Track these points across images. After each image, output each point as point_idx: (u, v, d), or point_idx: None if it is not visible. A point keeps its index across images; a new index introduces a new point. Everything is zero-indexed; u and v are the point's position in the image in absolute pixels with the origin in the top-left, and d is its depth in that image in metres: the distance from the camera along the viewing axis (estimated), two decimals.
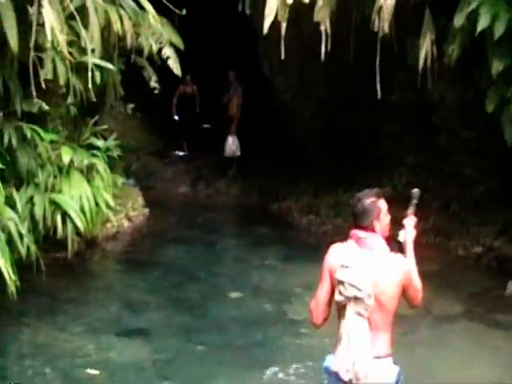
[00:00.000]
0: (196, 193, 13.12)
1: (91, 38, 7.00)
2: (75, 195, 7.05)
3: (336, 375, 3.56)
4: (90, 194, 7.21)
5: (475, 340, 6.05)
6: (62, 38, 5.50)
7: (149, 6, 7.88)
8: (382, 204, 3.65)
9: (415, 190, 4.09)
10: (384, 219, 3.64)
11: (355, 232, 3.61)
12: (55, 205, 6.88)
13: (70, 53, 6.95)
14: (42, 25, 5.79)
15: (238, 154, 13.41)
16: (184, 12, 7.13)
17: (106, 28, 7.55)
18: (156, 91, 9.06)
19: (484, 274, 8.10)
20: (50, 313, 6.25)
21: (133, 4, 7.92)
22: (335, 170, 10.44)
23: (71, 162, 7.12)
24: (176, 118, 14.83)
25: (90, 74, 6.36)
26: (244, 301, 6.98)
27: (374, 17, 7.28)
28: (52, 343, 5.66)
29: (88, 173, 7.46)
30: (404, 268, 3.60)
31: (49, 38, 5.35)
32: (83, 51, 7.03)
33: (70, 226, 6.94)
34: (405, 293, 3.63)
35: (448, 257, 8.77)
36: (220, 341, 5.93)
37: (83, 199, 7.10)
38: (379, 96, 7.46)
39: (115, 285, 7.38)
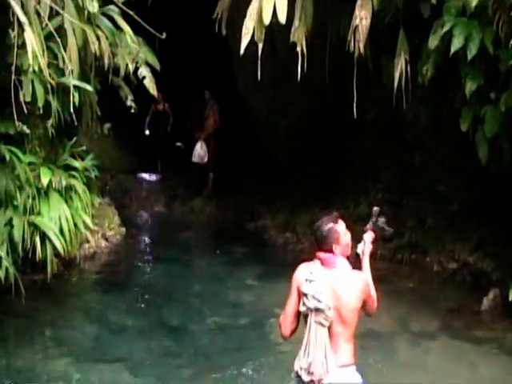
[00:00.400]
0: (171, 211, 13.12)
1: (69, 59, 7.02)
2: (54, 217, 7.00)
3: (299, 377, 4.03)
4: (69, 215, 7.16)
5: (453, 357, 6.12)
6: (42, 62, 5.49)
7: (126, 26, 7.91)
8: (340, 227, 4.06)
9: (375, 208, 4.59)
10: (343, 240, 4.03)
11: (319, 254, 4.06)
12: (34, 227, 6.82)
13: (49, 74, 6.97)
14: (21, 46, 5.80)
15: (206, 160, 13.52)
16: (164, 36, 7.13)
17: (83, 48, 7.55)
18: (132, 110, 9.05)
19: (460, 290, 8.22)
20: (29, 336, 6.22)
21: (110, 24, 7.92)
22: (311, 187, 10.51)
23: (50, 183, 7.08)
24: (147, 132, 14.87)
25: (71, 95, 6.36)
26: (222, 323, 6.96)
27: (350, 37, 7.38)
28: (31, 367, 5.61)
29: (66, 193, 7.42)
30: (363, 284, 4.05)
31: (30, 61, 5.35)
32: (61, 72, 7.05)
33: (48, 247, 6.90)
34: (363, 305, 4.08)
35: (424, 273, 8.89)
36: (203, 366, 5.89)
37: (62, 220, 7.05)
38: (355, 116, 7.53)
39: (94, 306, 7.34)
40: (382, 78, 8.23)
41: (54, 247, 6.96)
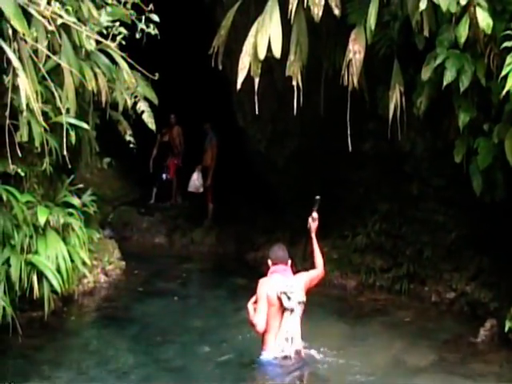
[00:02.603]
0: (172, 243, 13.15)
1: (66, 98, 7.09)
2: (51, 255, 7.02)
3: (285, 358, 5.98)
4: (66, 253, 7.19)
5: None
6: (36, 105, 5.56)
7: (122, 63, 7.98)
8: None
9: (317, 197, 6.72)
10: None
11: (280, 267, 6.23)
12: (31, 265, 6.84)
13: (46, 113, 7.04)
14: (16, 88, 5.86)
15: (201, 190, 13.60)
16: (157, 77, 7.21)
17: (81, 85, 7.62)
18: (131, 145, 9.11)
19: (457, 320, 8.24)
20: (25, 376, 6.13)
21: (107, 60, 8.00)
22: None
23: (47, 221, 7.11)
24: (151, 171, 14.95)
25: (64, 134, 6.40)
26: (226, 360, 6.84)
27: (344, 71, 7.45)
28: None
29: (64, 231, 7.46)
30: (305, 281, 6.28)
31: (24, 105, 5.41)
32: (58, 110, 7.10)
33: (46, 286, 6.92)
34: (311, 286, 6.36)
35: (422, 303, 8.90)
36: None
37: (59, 259, 7.07)
38: (350, 148, 7.59)
39: (92, 343, 7.29)
40: (378, 109, 8.29)
41: (51, 285, 6.99)
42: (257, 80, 7.56)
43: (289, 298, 5.94)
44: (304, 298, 6.08)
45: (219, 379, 6.40)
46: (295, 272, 6.33)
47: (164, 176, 15.16)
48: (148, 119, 8.92)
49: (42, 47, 5.85)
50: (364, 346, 7.30)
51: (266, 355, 6.01)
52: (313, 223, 6.63)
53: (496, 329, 7.41)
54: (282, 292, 5.95)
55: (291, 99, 7.46)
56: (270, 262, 6.31)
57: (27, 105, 5.68)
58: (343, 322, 8.18)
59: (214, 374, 6.51)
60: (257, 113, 7.75)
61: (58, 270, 7.07)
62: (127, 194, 15.29)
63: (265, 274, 6.29)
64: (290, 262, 6.33)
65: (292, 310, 5.95)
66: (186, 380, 6.38)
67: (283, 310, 5.96)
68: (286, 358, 5.96)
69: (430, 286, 9.08)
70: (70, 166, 6.94)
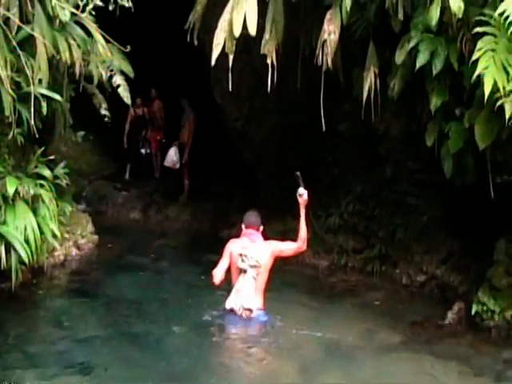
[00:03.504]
0: (147, 218, 13.14)
1: (38, 68, 7.04)
2: (20, 226, 7.00)
3: (231, 311, 6.72)
4: (35, 224, 7.16)
5: (414, 371, 6.13)
6: (4, 73, 5.51)
7: (97, 35, 7.92)
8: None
9: (297, 173, 7.03)
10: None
11: (249, 231, 7.00)
12: None
13: (19, 83, 6.99)
14: None
15: (178, 166, 13.60)
16: (128, 49, 7.16)
17: (55, 57, 7.56)
18: (106, 119, 9.06)
19: (426, 303, 8.29)
20: None
21: (82, 32, 7.93)
22: (284, 196, 10.53)
23: (17, 192, 7.08)
24: (126, 146, 14.87)
25: (34, 104, 6.37)
26: (187, 329, 6.94)
27: (319, 51, 7.44)
28: None
29: (34, 203, 7.42)
30: (272, 249, 6.95)
31: None
32: (32, 80, 7.05)
33: (14, 256, 6.89)
34: (281, 257, 7.07)
35: (393, 285, 8.95)
36: (166, 371, 5.84)
37: (28, 230, 7.05)
38: (324, 128, 7.60)
39: (61, 317, 7.19)
40: (353, 91, 8.29)
41: (20, 256, 6.97)
42: (231, 57, 7.51)
43: (242, 260, 6.73)
44: (260, 263, 6.75)
45: (182, 345, 6.50)
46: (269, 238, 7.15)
47: (143, 151, 15.11)
48: (123, 93, 8.87)
49: (12, 16, 5.77)
50: (332, 323, 7.34)
51: (224, 306, 6.82)
52: (300, 198, 6.95)
53: (463, 312, 7.49)
54: (239, 254, 6.77)
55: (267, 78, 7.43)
56: (243, 225, 7.07)
57: None
58: (313, 301, 8.21)
59: (178, 341, 6.60)
60: (230, 90, 7.70)
61: (27, 241, 7.04)
62: (103, 169, 15.25)
63: (238, 236, 7.13)
64: (261, 227, 7.08)
65: (245, 271, 6.73)
66: (148, 346, 6.42)
67: (240, 269, 6.78)
68: (232, 310, 6.72)
69: (401, 268, 9.14)
70: (38, 136, 6.89)
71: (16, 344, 6.32)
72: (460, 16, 6.24)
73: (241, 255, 6.76)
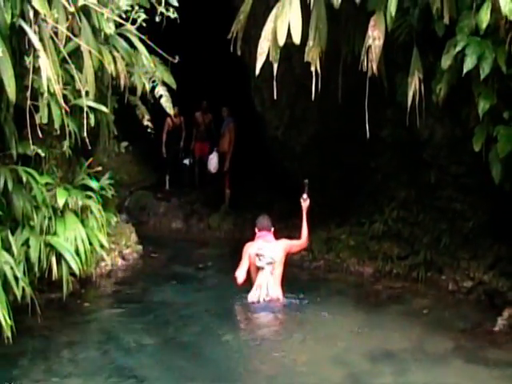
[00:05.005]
0: (189, 228, 13.20)
1: (85, 81, 7.14)
2: (70, 237, 7.10)
3: (253, 303, 7.70)
4: (85, 235, 7.26)
5: (467, 379, 6.03)
6: (57, 87, 5.60)
7: (141, 47, 8.02)
8: None
9: (305, 181, 8.34)
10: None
11: (262, 233, 8.11)
12: (50, 247, 6.93)
13: (65, 96, 7.09)
14: (37, 69, 5.91)
15: (215, 171, 13.75)
16: (177, 60, 7.22)
17: (100, 69, 7.67)
18: (149, 130, 9.14)
19: (474, 309, 8.17)
20: (45, 356, 6.21)
21: (126, 45, 8.03)
22: (327, 204, 10.53)
23: (66, 203, 7.18)
24: (165, 155, 14.96)
25: (84, 116, 6.46)
26: (236, 341, 6.95)
27: (363, 57, 7.42)
28: None
29: (82, 214, 7.52)
30: (283, 247, 8.02)
31: (45, 86, 5.46)
32: (78, 93, 7.15)
33: (64, 267, 6.99)
34: (291, 253, 8.38)
35: (439, 291, 8.85)
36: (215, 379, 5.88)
37: (78, 241, 7.16)
38: (368, 135, 7.57)
39: (109, 326, 7.29)
40: (397, 97, 8.25)
41: (70, 267, 7.06)
42: (275, 66, 7.53)
43: (260, 260, 7.77)
44: (275, 260, 7.82)
45: (233, 356, 6.49)
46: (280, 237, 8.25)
47: (187, 161, 15.20)
48: (166, 103, 8.94)
49: (63, 29, 5.86)
50: (379, 332, 7.30)
51: (247, 299, 7.82)
52: (303, 203, 8.33)
53: None
54: (255, 254, 7.81)
55: (309, 85, 7.42)
56: (256, 229, 8.21)
57: (47, 87, 5.73)
58: (360, 309, 8.17)
59: (227, 352, 6.59)
60: (275, 98, 7.72)
61: (77, 252, 7.15)
62: (144, 179, 15.39)
63: (252, 240, 8.17)
64: (272, 229, 8.23)
65: (263, 268, 7.77)
66: (197, 357, 6.42)
67: (257, 268, 7.82)
68: (255, 302, 7.73)
69: (447, 274, 9.03)
70: (89, 148, 6.97)
71: (65, 352, 6.41)
72: (511, 18, 6.17)
73: (257, 255, 7.82)
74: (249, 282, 7.95)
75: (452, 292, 8.84)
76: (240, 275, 7.79)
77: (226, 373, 6.08)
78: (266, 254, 7.81)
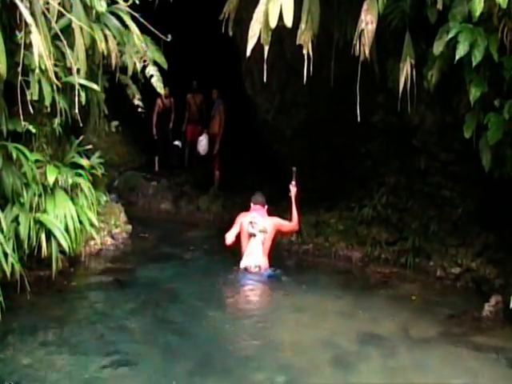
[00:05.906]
0: (178, 209, 13.19)
1: (76, 58, 7.10)
2: (59, 214, 7.09)
3: (245, 269, 8.44)
4: (74, 213, 7.25)
5: (452, 363, 6.12)
6: (48, 63, 5.57)
7: (133, 26, 7.97)
8: None
9: (294, 169, 9.05)
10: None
11: (256, 207, 8.88)
12: (40, 224, 6.92)
13: (56, 73, 7.04)
14: (29, 45, 5.88)
15: (204, 153, 13.89)
16: (169, 38, 7.19)
17: (91, 47, 7.63)
18: (140, 109, 9.11)
19: (462, 296, 8.27)
20: (34, 332, 6.20)
21: (117, 23, 7.98)
22: (317, 188, 10.54)
23: (56, 181, 7.16)
24: (156, 137, 14.92)
25: (76, 94, 6.43)
26: (222, 322, 7.00)
27: (356, 41, 7.41)
28: (35, 362, 5.61)
29: (72, 192, 7.51)
30: (274, 222, 8.81)
31: (36, 62, 5.43)
32: (69, 71, 7.12)
33: (54, 245, 6.99)
34: (281, 232, 9.05)
35: (427, 278, 8.93)
36: (202, 360, 5.90)
37: (67, 218, 7.15)
38: (359, 119, 7.57)
39: (98, 304, 7.30)
40: (388, 82, 8.26)
41: (60, 244, 7.06)
42: (266, 48, 7.48)
43: (253, 227, 8.56)
44: (267, 229, 8.60)
45: (218, 338, 6.53)
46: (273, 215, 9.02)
47: (178, 143, 15.16)
48: (157, 83, 8.89)
49: (55, 4, 5.83)
50: (368, 315, 7.38)
51: (238, 265, 8.53)
52: (293, 189, 9.01)
53: (501, 305, 7.46)
54: (249, 222, 8.58)
55: (301, 69, 7.39)
56: (251, 203, 8.96)
57: (39, 63, 5.70)
58: (348, 293, 8.23)
59: (214, 333, 6.64)
60: (265, 81, 7.71)
61: (66, 230, 7.14)
62: (133, 160, 15.37)
63: (247, 211, 8.95)
64: (266, 206, 9.00)
65: (254, 235, 8.53)
66: (185, 337, 6.46)
67: (249, 235, 8.54)
68: (246, 268, 8.47)
69: (435, 261, 9.10)
70: (80, 125, 6.95)
71: (55, 329, 6.40)
72: (505, 6, 6.18)
73: (251, 223, 8.60)
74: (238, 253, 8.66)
75: (440, 278, 8.92)
76: (229, 237, 8.55)
77: (213, 350, 6.15)
78: (259, 223, 8.60)
